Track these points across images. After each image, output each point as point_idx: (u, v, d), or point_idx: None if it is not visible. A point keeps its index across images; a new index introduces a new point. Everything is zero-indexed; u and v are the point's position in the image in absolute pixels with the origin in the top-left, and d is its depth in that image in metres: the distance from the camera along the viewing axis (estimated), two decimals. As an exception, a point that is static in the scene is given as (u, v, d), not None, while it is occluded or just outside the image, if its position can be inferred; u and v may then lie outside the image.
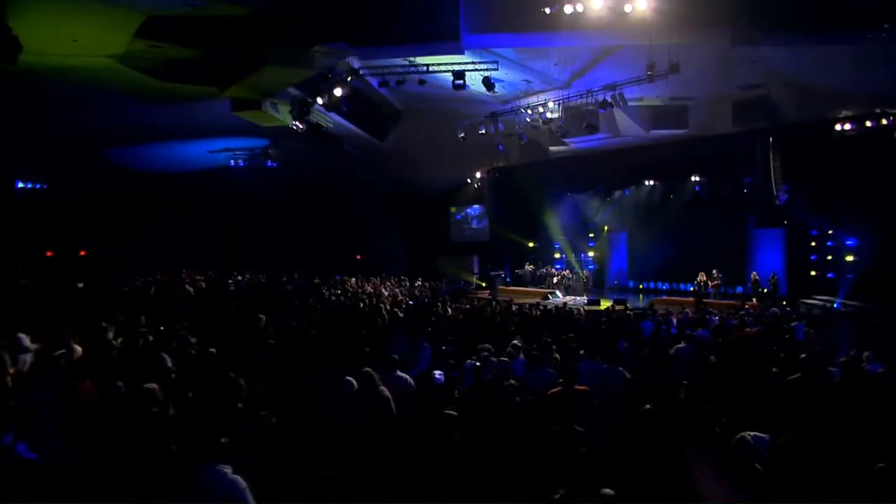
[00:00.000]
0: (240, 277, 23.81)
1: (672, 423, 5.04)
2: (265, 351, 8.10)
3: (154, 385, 5.18)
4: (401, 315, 12.01)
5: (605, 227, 26.29)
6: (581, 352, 7.92)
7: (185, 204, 27.75)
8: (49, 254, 25.88)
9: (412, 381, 6.55)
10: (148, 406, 4.97)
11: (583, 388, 5.78)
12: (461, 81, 12.79)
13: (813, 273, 19.36)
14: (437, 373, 6.56)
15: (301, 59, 13.74)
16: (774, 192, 16.21)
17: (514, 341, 8.21)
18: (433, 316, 12.44)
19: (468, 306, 15.01)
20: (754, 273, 19.49)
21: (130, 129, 19.27)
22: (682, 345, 8.29)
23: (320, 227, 29.67)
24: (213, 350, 7.71)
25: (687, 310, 14.39)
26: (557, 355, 7.96)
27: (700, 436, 5.36)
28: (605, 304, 19.45)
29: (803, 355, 6.67)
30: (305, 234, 29.26)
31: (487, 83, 13.24)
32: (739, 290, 19.50)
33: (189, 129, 19.95)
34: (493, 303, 16.75)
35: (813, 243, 19.45)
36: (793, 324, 11.37)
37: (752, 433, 4.51)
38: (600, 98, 16.16)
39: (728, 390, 6.36)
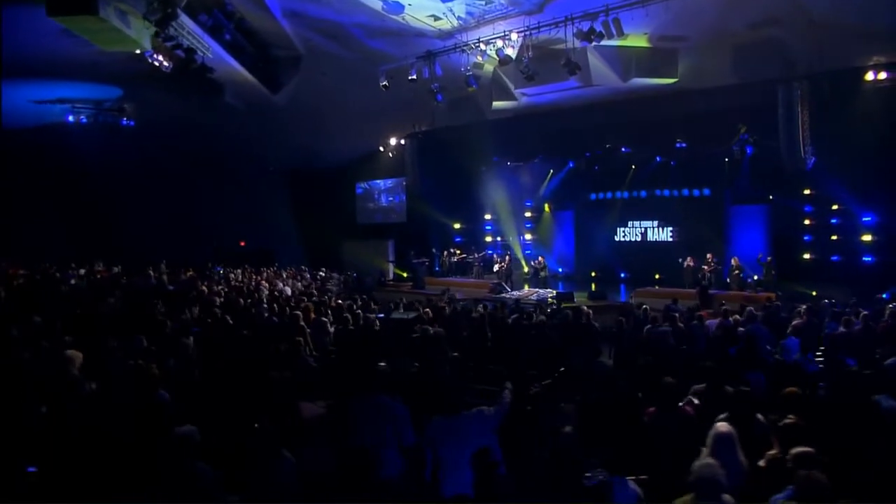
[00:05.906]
0: (82, 271, 17.74)
1: None
2: None
3: None
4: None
5: (547, 206, 22.38)
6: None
7: (10, 172, 20.65)
8: None
9: None
10: None
11: None
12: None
13: (806, 256, 16.48)
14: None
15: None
16: (802, 155, 12.98)
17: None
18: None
19: (425, 309, 10.40)
20: (735, 258, 16.34)
21: None
22: None
23: (194, 204, 23.73)
24: None
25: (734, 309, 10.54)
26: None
27: None
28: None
29: None
30: (174, 213, 23.24)
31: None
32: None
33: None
34: (447, 301, 12.44)
35: (807, 221, 16.58)
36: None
37: None
38: (585, 27, 12.00)
39: None
